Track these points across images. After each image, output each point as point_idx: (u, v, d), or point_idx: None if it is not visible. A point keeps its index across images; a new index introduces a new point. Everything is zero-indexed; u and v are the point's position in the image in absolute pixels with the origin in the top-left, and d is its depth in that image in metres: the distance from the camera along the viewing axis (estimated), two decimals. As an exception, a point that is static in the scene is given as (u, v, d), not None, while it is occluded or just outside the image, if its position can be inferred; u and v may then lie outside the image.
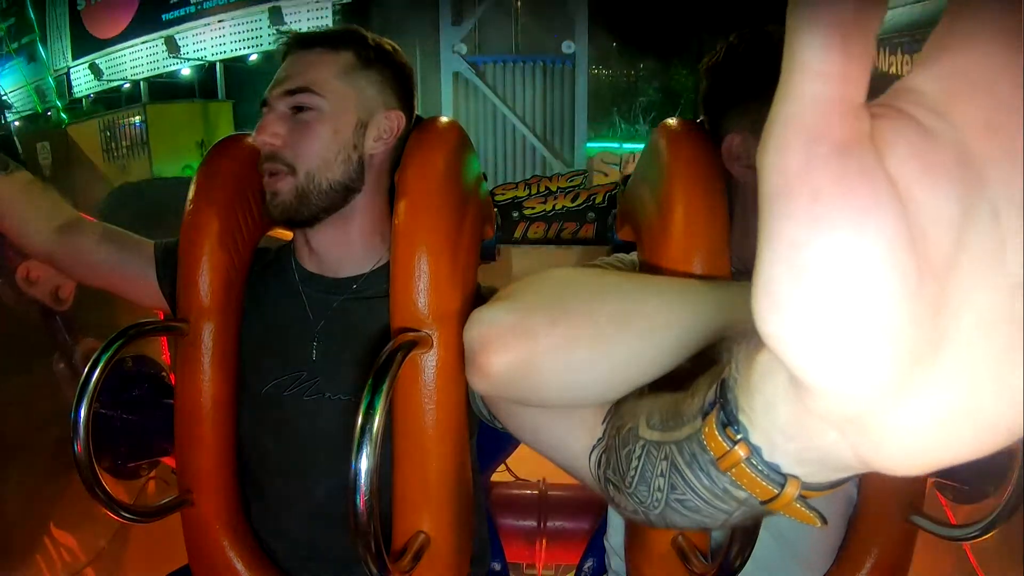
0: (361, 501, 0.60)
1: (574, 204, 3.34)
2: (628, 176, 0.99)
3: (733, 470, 0.33)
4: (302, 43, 0.87)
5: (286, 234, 1.04)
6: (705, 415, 0.35)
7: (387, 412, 0.63)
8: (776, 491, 0.32)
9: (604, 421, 0.49)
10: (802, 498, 0.33)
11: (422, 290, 0.75)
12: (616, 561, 0.96)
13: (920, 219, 0.20)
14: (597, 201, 3.35)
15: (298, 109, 0.84)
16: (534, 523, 1.46)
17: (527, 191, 3.39)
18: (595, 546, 1.13)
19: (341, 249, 0.90)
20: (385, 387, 0.62)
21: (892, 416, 0.22)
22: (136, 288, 0.97)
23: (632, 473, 0.42)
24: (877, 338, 0.20)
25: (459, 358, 0.77)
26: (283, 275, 0.94)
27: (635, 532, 0.83)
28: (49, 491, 1.58)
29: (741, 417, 0.32)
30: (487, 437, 0.97)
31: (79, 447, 0.75)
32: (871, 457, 0.24)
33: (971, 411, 0.21)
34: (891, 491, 0.88)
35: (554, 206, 3.34)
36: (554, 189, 3.36)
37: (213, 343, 0.86)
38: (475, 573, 0.91)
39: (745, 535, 0.63)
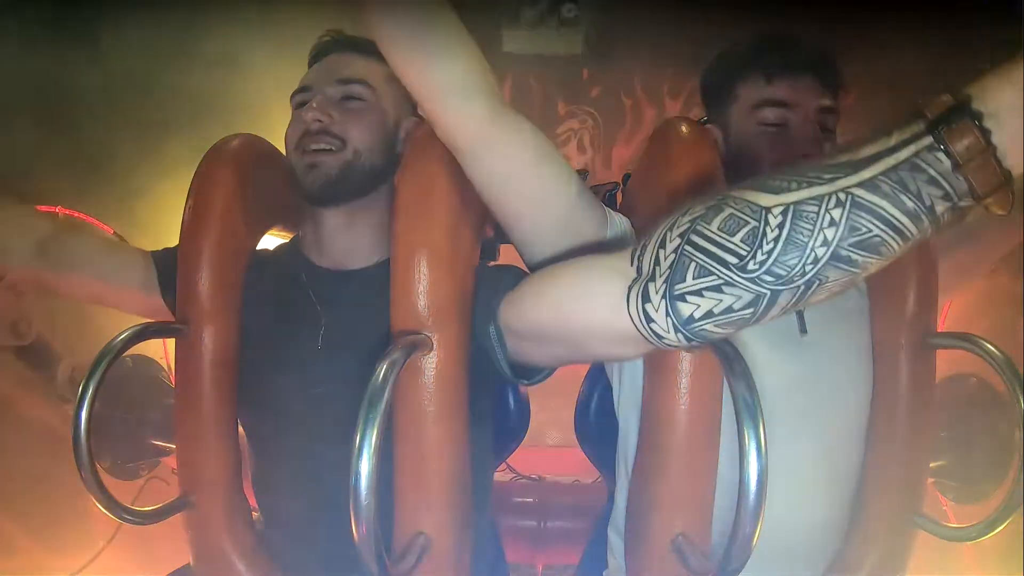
0: (362, 503, 0.60)
1: (574, 203, 3.30)
2: (628, 175, 0.99)
3: (972, 164, 0.42)
4: (352, 45, 0.94)
5: (284, 236, 1.04)
6: (933, 129, 0.43)
7: (388, 414, 0.63)
8: (1002, 178, 0.43)
9: (632, 263, 0.56)
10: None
11: (422, 292, 0.75)
12: (616, 558, 0.96)
13: None
14: (597, 199, 3.32)
15: (348, 98, 0.90)
16: (534, 523, 1.47)
17: (527, 190, 3.36)
18: (595, 545, 1.13)
19: (351, 240, 0.92)
20: (385, 390, 0.62)
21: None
22: (131, 299, 0.95)
23: (768, 246, 0.47)
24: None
25: (459, 359, 0.77)
26: (287, 270, 0.94)
27: (635, 532, 0.83)
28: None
29: (987, 123, 0.43)
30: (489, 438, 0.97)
31: (79, 447, 0.75)
32: None
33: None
34: (891, 491, 0.88)
35: (554, 205, 3.31)
36: (554, 188, 3.32)
37: (213, 345, 0.86)
38: (475, 573, 0.91)
39: (745, 535, 0.62)
